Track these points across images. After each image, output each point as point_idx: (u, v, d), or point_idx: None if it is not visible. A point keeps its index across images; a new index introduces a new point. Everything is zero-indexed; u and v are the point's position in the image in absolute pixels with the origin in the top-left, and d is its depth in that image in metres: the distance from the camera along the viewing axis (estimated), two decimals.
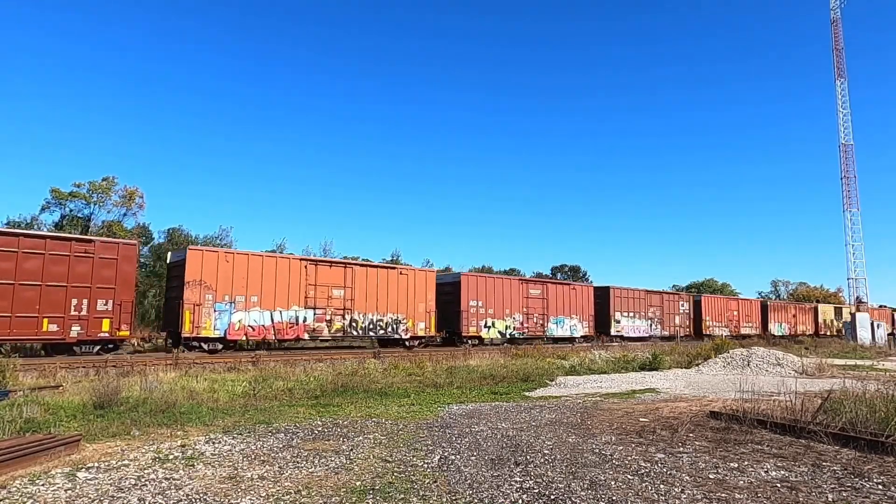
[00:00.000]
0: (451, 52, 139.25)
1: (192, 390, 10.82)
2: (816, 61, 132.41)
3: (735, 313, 49.00)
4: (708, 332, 43.67)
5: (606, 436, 7.55)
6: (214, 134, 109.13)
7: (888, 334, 47.02)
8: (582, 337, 35.80)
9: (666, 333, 41.42)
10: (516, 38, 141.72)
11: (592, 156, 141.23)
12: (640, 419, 8.83)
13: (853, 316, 48.02)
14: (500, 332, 31.34)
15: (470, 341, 30.02)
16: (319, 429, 7.92)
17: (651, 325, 41.20)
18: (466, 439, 7.26)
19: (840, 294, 75.14)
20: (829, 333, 55.95)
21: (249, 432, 7.57)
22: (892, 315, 66.22)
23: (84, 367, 15.25)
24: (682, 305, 44.50)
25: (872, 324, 45.20)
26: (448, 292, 30.66)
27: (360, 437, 7.32)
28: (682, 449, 6.77)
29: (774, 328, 52.50)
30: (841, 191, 59.62)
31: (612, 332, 37.34)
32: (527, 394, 12.34)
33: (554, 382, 14.50)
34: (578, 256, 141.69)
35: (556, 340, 34.09)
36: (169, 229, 38.55)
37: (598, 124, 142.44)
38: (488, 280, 32.70)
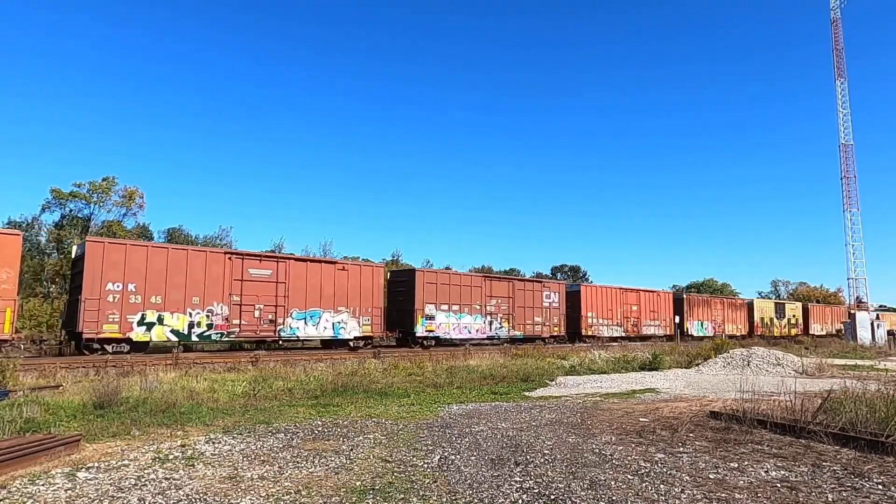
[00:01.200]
0: (451, 52, 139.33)
1: (192, 390, 10.82)
2: (816, 61, 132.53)
3: (634, 308, 39.15)
4: (591, 333, 35.79)
5: (606, 436, 7.55)
6: (214, 134, 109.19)
7: (888, 332, 46.79)
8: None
9: (518, 334, 32.14)
10: (515, 37, 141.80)
11: (593, 156, 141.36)
12: (640, 419, 8.83)
13: (853, 316, 47.92)
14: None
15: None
16: (319, 429, 7.92)
17: (491, 322, 31.08)
18: (466, 439, 7.25)
19: (840, 294, 74.98)
20: (766, 334, 48.80)
21: (249, 432, 7.57)
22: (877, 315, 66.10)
23: (84, 366, 15.26)
24: (548, 297, 34.04)
25: (872, 324, 45.16)
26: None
27: (360, 437, 7.32)
28: (682, 449, 6.77)
29: (693, 328, 43.59)
30: (841, 191, 59.73)
31: (419, 332, 27.74)
32: (527, 394, 12.34)
33: (554, 382, 14.50)
34: (579, 256, 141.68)
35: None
36: (169, 229, 38.61)
37: (598, 124, 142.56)
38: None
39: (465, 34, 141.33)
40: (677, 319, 42.45)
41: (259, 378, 12.99)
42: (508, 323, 31.88)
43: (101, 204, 35.62)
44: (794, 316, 54.36)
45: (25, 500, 4.68)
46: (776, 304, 55.17)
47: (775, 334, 50.65)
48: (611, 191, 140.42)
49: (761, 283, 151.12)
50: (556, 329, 34.19)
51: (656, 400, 11.27)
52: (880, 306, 74.02)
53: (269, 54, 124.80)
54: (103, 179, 35.75)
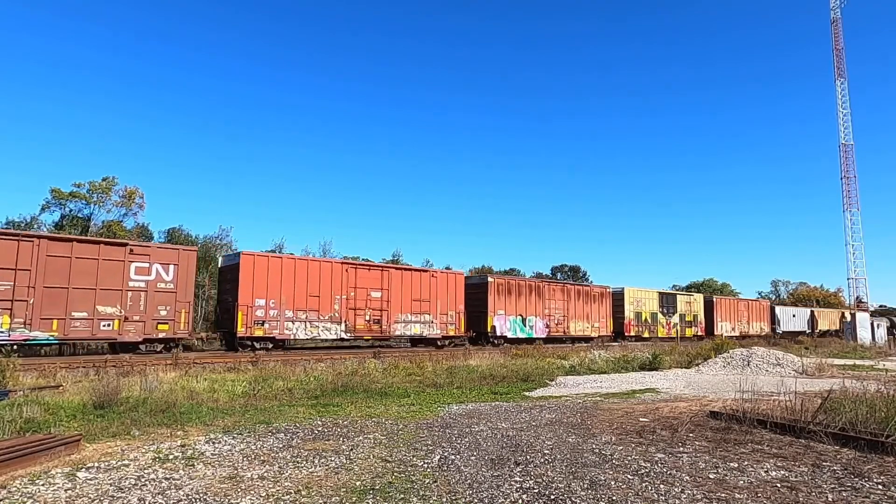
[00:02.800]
0: (452, 53, 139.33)
1: (192, 390, 10.82)
2: (816, 61, 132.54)
3: (377, 296, 26.02)
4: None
5: (606, 436, 7.55)
6: (214, 134, 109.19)
7: (888, 328, 46.73)
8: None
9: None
10: (517, 40, 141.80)
11: (593, 156, 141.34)
12: (640, 419, 8.83)
13: (853, 315, 47.73)
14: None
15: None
16: (319, 429, 7.92)
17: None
18: (466, 439, 7.25)
19: (840, 294, 74.96)
20: (643, 335, 38.69)
21: (249, 432, 7.57)
22: (843, 315, 61.81)
23: (84, 367, 15.25)
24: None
25: (872, 323, 45.12)
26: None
27: (360, 437, 7.32)
28: (682, 449, 6.77)
29: (504, 327, 30.64)
30: (841, 191, 59.83)
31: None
32: (527, 394, 12.33)
33: (554, 382, 14.50)
34: (579, 257, 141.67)
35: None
36: (169, 229, 38.55)
37: (598, 125, 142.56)
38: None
39: (466, 36, 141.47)
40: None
41: (259, 378, 12.99)
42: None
43: (101, 204, 35.60)
44: (690, 312, 44.20)
45: (25, 500, 4.68)
46: (662, 294, 42.64)
47: (660, 335, 39.80)
48: (611, 191, 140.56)
49: (761, 283, 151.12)
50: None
51: (656, 400, 11.27)
52: (880, 306, 74.03)
53: (269, 55, 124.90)
54: (103, 179, 35.75)
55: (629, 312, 38.77)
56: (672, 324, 42.03)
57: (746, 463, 6.09)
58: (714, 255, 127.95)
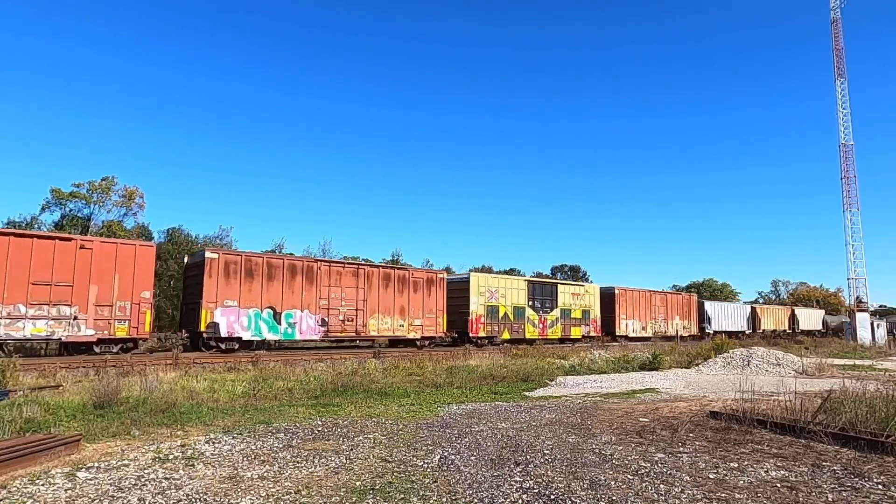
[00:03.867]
0: (452, 53, 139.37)
1: (192, 390, 10.82)
2: (816, 61, 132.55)
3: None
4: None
5: (606, 436, 7.55)
6: (214, 134, 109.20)
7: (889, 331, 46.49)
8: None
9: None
10: (517, 40, 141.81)
11: (593, 156, 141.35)
12: (640, 419, 8.83)
13: (853, 315, 47.50)
14: None
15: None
16: (319, 429, 7.92)
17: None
18: (466, 439, 7.25)
19: (840, 294, 74.88)
20: (506, 336, 30.65)
21: (249, 432, 7.57)
22: (793, 311, 59.38)
23: (84, 367, 15.25)
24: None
25: (872, 324, 45.08)
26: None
27: (360, 437, 7.32)
28: (682, 449, 6.77)
29: (234, 324, 21.72)
30: (841, 191, 59.59)
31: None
32: (527, 394, 12.33)
33: (554, 382, 14.50)
34: (579, 257, 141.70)
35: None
36: (169, 229, 38.50)
37: (598, 125, 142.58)
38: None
39: (467, 37, 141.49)
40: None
41: (259, 378, 12.99)
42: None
43: (101, 204, 35.60)
44: (578, 306, 35.11)
45: (25, 499, 4.68)
46: (534, 283, 33.60)
47: (528, 335, 31.61)
48: (611, 191, 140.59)
49: (761, 283, 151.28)
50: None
51: (656, 400, 11.27)
52: (880, 306, 73.94)
53: (269, 55, 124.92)
54: (103, 179, 35.74)
55: (478, 306, 29.75)
56: (549, 321, 33.19)
57: (746, 463, 6.09)
58: (714, 255, 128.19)
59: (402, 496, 4.87)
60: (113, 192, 35.81)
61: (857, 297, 59.77)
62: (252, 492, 4.97)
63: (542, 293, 33.62)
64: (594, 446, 6.88)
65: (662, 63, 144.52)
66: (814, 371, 17.48)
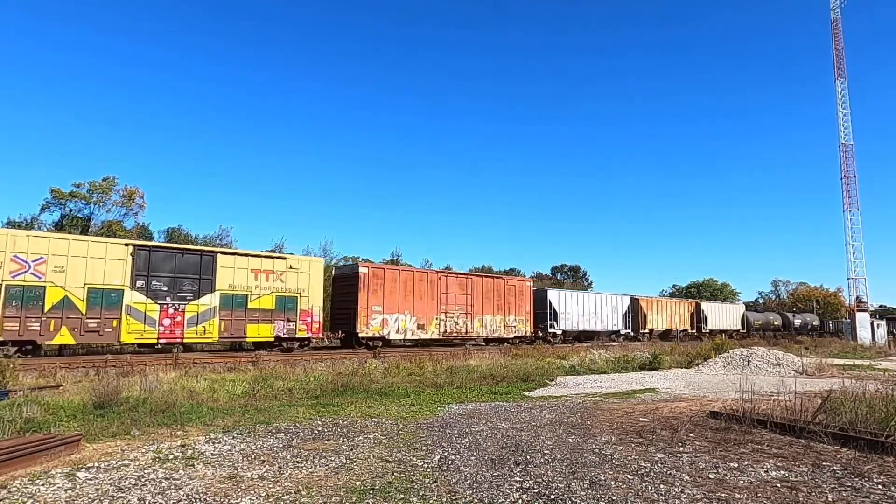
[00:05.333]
0: (454, 62, 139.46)
1: (192, 390, 10.82)
2: (816, 61, 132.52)
3: None
4: None
5: (606, 436, 7.55)
6: (215, 134, 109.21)
7: (888, 332, 46.13)
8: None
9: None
10: (518, 49, 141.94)
11: (593, 156, 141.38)
12: (640, 419, 8.83)
13: (853, 315, 47.35)
14: None
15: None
16: (319, 429, 7.92)
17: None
18: (466, 439, 7.25)
19: (840, 294, 74.72)
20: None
21: (249, 432, 7.57)
22: (697, 306, 48.32)
23: (84, 367, 15.24)
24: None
25: (872, 324, 45.04)
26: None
27: (360, 437, 7.32)
28: (682, 449, 6.77)
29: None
30: (841, 191, 59.69)
31: None
32: (527, 394, 12.33)
33: (554, 382, 14.50)
34: (579, 257, 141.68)
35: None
36: (169, 229, 38.53)
37: (598, 125, 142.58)
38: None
39: (469, 46, 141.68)
40: None
41: (259, 378, 12.99)
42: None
43: (101, 204, 35.58)
44: (275, 290, 22.20)
45: (25, 499, 4.68)
46: (146, 250, 19.96)
47: (128, 339, 18.95)
48: (611, 191, 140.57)
49: (761, 283, 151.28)
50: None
51: (656, 400, 11.27)
52: (880, 306, 73.81)
53: (270, 57, 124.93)
54: (103, 179, 35.73)
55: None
56: (191, 315, 20.57)
57: (746, 463, 6.09)
58: (714, 255, 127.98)
59: (402, 496, 4.87)
60: (113, 192, 35.81)
61: (857, 297, 59.70)
62: (252, 492, 4.97)
63: (173, 266, 20.29)
64: (594, 446, 6.88)
65: (662, 64, 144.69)
66: (814, 371, 17.48)
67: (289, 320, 22.95)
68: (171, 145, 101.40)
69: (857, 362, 22.22)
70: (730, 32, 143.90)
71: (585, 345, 31.47)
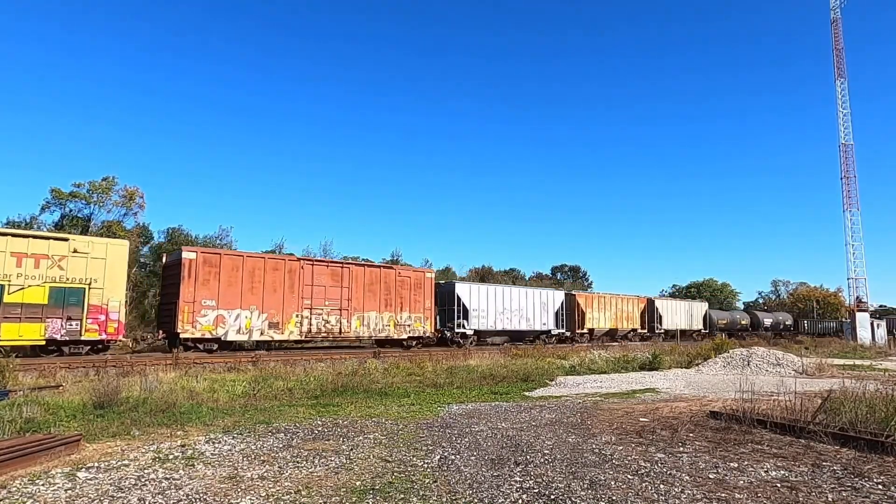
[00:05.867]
0: (456, 64, 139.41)
1: (192, 390, 10.82)
2: (816, 61, 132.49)
3: None
4: None
5: (606, 436, 7.55)
6: (215, 134, 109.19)
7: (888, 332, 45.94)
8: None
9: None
10: (518, 50, 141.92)
11: (595, 158, 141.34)
12: (640, 419, 8.82)
13: (853, 315, 47.23)
14: None
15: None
16: (319, 429, 7.92)
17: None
18: (466, 439, 7.25)
19: (840, 294, 74.61)
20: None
21: (249, 432, 7.57)
22: (650, 304, 44.08)
23: (84, 367, 15.24)
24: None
25: (872, 323, 45.02)
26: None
27: (360, 437, 7.32)
28: (682, 449, 6.77)
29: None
30: (841, 191, 59.63)
31: None
32: (527, 394, 12.33)
33: (554, 382, 14.50)
34: (579, 257, 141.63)
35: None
36: (169, 229, 38.50)
37: (599, 125, 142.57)
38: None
39: (470, 49, 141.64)
40: None
41: (259, 378, 12.99)
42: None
43: (101, 204, 35.55)
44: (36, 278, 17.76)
45: (25, 499, 4.68)
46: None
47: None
48: (612, 192, 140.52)
49: (761, 283, 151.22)
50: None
51: (656, 400, 11.27)
52: (880, 306, 73.75)
53: (270, 58, 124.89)
54: (103, 179, 35.71)
55: None
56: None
57: (746, 463, 6.09)
58: (714, 255, 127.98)
59: (402, 496, 4.87)
60: (113, 192, 35.78)
61: (857, 297, 59.56)
62: (252, 492, 4.97)
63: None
64: (594, 446, 6.88)
65: (661, 63, 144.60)
66: (814, 371, 17.48)
67: (71, 318, 18.33)
68: (171, 145, 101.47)
69: (858, 362, 22.23)
70: (730, 33, 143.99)
71: (585, 345, 31.36)
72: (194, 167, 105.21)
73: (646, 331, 42.92)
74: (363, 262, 29.80)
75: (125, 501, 4.69)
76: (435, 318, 29.02)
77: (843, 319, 53.87)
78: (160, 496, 4.82)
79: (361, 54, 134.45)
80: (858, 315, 46.34)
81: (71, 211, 35.02)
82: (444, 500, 4.80)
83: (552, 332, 35.27)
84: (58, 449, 6.08)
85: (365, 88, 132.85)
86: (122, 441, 6.93)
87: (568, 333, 36.81)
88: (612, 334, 40.52)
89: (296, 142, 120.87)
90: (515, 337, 33.40)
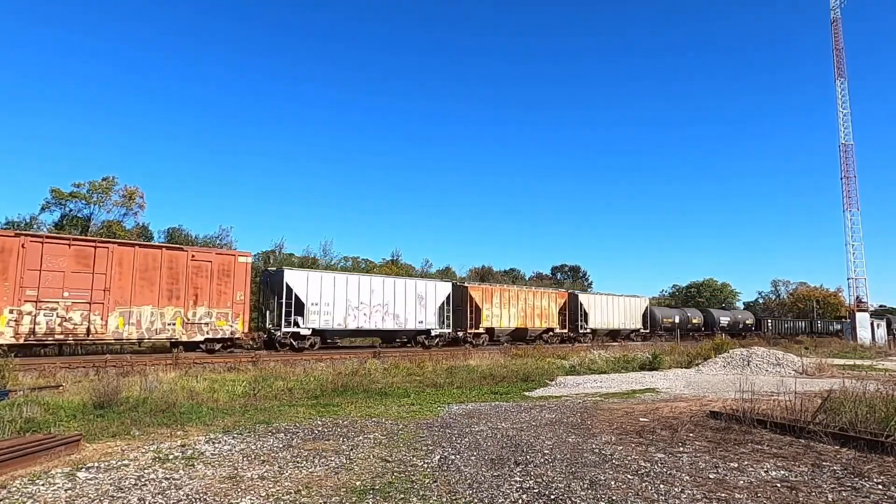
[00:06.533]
0: (457, 66, 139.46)
1: (192, 390, 10.82)
2: (816, 61, 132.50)
3: None
4: None
5: (606, 436, 7.55)
6: (215, 134, 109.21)
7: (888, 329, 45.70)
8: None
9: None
10: (519, 53, 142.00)
11: (595, 158, 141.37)
12: (640, 419, 8.83)
13: (853, 315, 47.13)
14: None
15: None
16: (319, 429, 7.92)
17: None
18: (466, 439, 7.25)
19: (840, 294, 74.54)
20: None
21: (249, 432, 7.57)
22: (572, 298, 38.01)
23: (84, 367, 15.25)
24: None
25: (872, 323, 44.98)
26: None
27: (360, 437, 7.32)
28: (682, 449, 6.77)
29: None
30: (841, 191, 59.73)
31: None
32: (527, 394, 12.33)
33: (554, 382, 14.50)
34: (579, 257, 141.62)
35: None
36: (169, 229, 38.50)
37: (599, 125, 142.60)
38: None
39: (471, 47, 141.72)
40: None
41: (259, 378, 12.99)
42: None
43: (101, 204, 35.56)
44: None
45: (25, 499, 4.68)
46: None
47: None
48: (612, 191, 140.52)
49: (761, 283, 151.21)
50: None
51: (656, 400, 11.27)
52: (880, 306, 73.65)
53: (270, 59, 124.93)
54: (103, 179, 35.71)
55: None
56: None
57: (746, 463, 6.09)
58: (714, 255, 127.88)
59: (402, 496, 4.87)
60: (113, 192, 35.79)
61: (857, 297, 59.52)
62: (252, 492, 4.97)
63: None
64: (594, 446, 6.88)
65: (662, 58, 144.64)
66: (814, 371, 17.48)
67: None
68: (171, 146, 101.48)
69: (858, 362, 22.23)
70: (730, 33, 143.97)
71: (586, 345, 31.22)
72: (194, 167, 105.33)
73: (566, 330, 36.79)
74: (134, 242, 22.19)
75: (125, 501, 4.69)
76: (256, 315, 24.50)
77: (844, 319, 52.98)
78: (160, 496, 4.82)
79: (362, 56, 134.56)
80: (858, 315, 46.27)
81: (71, 211, 35.04)
82: (444, 500, 4.80)
83: (433, 333, 29.02)
84: (58, 449, 6.08)
85: (366, 90, 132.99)
86: (122, 441, 6.93)
87: (456, 333, 30.98)
88: (520, 335, 33.79)
89: (296, 142, 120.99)
90: (384, 338, 28.64)
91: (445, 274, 49.93)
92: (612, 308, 40.66)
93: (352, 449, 6.64)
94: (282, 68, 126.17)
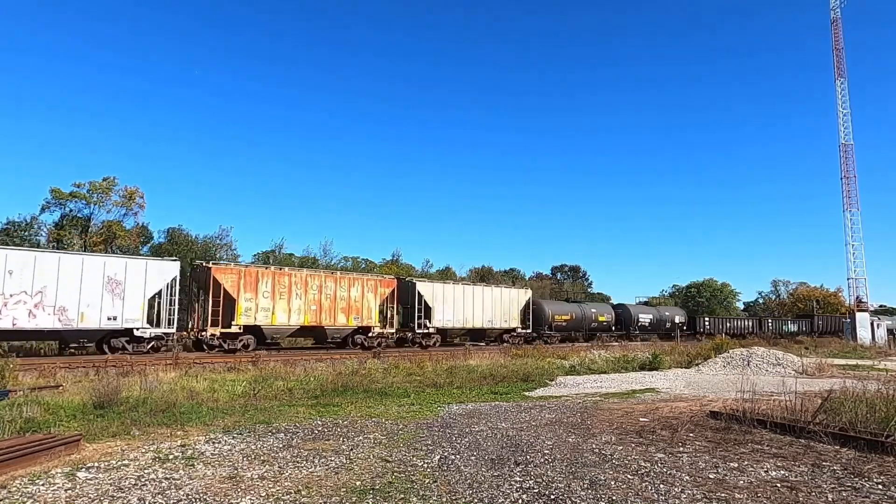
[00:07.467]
0: (457, 69, 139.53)
1: (192, 390, 10.82)
2: (816, 61, 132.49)
3: None
4: None
5: (606, 435, 7.55)
6: (215, 134, 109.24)
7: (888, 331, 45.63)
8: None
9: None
10: (520, 58, 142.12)
11: (595, 159, 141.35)
12: (640, 419, 8.82)
13: (853, 315, 47.03)
14: None
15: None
16: (319, 429, 7.92)
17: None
18: (466, 439, 7.25)
19: (840, 294, 74.42)
20: None
21: (249, 432, 7.57)
22: (405, 286, 28.18)
23: (84, 367, 15.25)
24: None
25: (872, 323, 44.95)
26: None
27: (360, 437, 7.32)
28: (681, 449, 6.77)
29: None
30: (841, 191, 59.72)
31: None
32: (527, 394, 12.33)
33: (554, 382, 14.50)
34: (579, 257, 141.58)
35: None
36: (169, 229, 38.51)
37: (599, 125, 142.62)
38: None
39: (472, 53, 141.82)
40: None
41: (259, 378, 13.00)
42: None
43: (101, 204, 35.58)
44: None
45: (25, 499, 4.68)
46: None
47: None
48: (612, 192, 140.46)
49: (761, 283, 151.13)
50: None
51: (656, 400, 11.27)
52: (880, 306, 73.56)
53: (270, 60, 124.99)
54: (103, 179, 35.74)
55: None
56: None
57: (746, 463, 6.09)
58: (714, 255, 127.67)
59: (402, 496, 4.87)
60: (113, 192, 35.81)
61: (857, 297, 59.45)
62: (252, 492, 4.97)
63: None
64: (594, 446, 6.88)
65: (662, 61, 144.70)
66: (814, 371, 17.48)
67: None
68: (171, 146, 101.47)
69: (858, 362, 22.23)
70: (730, 34, 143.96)
71: (586, 345, 31.21)
72: (194, 167, 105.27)
73: (392, 330, 28.23)
74: None
75: (125, 501, 4.69)
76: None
77: (845, 319, 52.42)
78: (160, 496, 4.82)
79: (362, 60, 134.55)
80: (858, 315, 46.22)
81: (71, 211, 35.05)
82: (444, 500, 4.80)
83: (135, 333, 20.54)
84: (58, 449, 6.08)
85: (368, 95, 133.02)
86: (122, 441, 6.93)
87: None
88: (316, 335, 25.96)
89: (296, 142, 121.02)
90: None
91: (446, 274, 49.91)
92: (472, 301, 31.08)
93: (352, 449, 6.64)
94: (282, 71, 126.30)
